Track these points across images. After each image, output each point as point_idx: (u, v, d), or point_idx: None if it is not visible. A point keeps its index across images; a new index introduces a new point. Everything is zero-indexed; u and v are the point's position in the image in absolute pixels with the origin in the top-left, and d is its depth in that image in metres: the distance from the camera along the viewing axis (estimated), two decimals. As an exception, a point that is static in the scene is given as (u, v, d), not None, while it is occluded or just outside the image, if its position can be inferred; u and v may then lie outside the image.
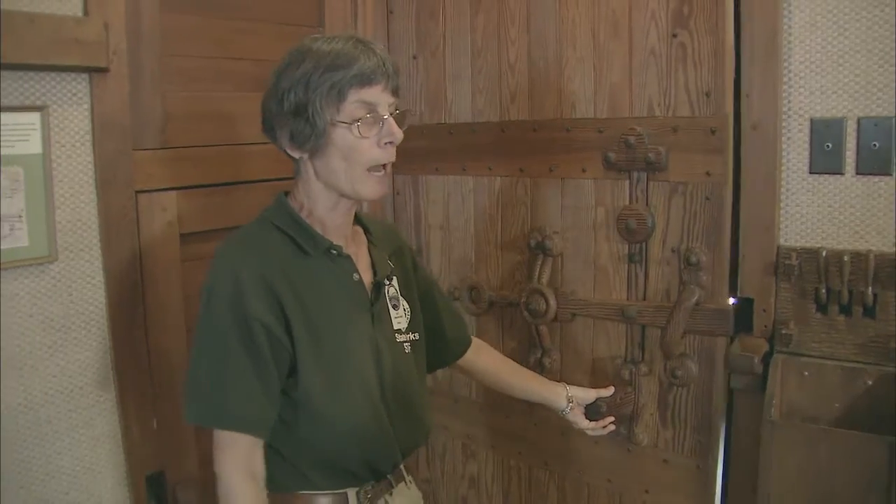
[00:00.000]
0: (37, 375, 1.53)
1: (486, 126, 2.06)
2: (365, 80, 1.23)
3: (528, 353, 2.05)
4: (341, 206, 1.32)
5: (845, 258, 1.52)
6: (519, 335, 2.09)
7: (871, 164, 1.51)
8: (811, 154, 1.57)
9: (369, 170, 1.27)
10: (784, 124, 1.58)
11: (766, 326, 1.64)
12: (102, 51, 1.53)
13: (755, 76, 1.59)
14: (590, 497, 2.02)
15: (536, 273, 1.98)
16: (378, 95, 1.25)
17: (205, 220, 1.77)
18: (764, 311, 1.63)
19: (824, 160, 1.56)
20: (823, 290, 1.55)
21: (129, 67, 1.61)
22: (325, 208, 1.31)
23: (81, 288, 1.58)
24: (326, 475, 1.29)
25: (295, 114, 1.23)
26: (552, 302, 1.94)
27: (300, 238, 1.29)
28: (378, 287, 1.38)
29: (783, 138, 1.59)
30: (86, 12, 1.53)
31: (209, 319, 1.21)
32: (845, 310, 1.55)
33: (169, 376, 1.72)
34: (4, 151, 1.45)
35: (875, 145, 1.49)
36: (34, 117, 1.48)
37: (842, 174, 1.54)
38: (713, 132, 1.66)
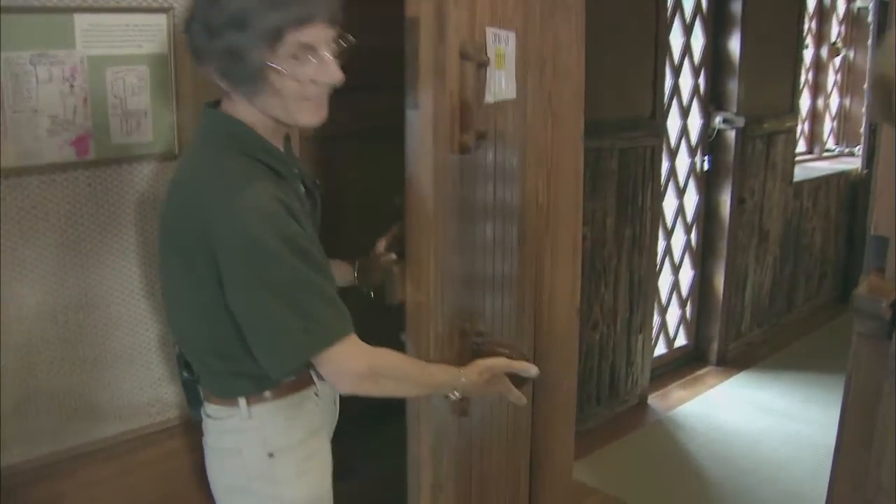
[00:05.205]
0: (153, 262, 1.64)
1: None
2: (304, 20, 1.14)
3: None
4: (280, 129, 1.27)
5: None
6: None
7: None
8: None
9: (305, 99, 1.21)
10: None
11: (900, 268, 1.48)
12: (224, -47, 1.58)
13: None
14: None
15: None
16: (318, 34, 1.16)
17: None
18: (900, 250, 1.48)
19: None
20: (973, 231, 1.38)
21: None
22: (268, 129, 1.25)
23: (199, 185, 1.67)
24: None
25: (227, 54, 1.15)
26: None
27: (274, 163, 1.23)
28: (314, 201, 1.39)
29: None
30: (210, -84, 1.57)
31: (266, 263, 1.14)
32: None
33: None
34: (132, 51, 1.54)
35: None
36: (161, 19, 1.56)
37: None
38: None
